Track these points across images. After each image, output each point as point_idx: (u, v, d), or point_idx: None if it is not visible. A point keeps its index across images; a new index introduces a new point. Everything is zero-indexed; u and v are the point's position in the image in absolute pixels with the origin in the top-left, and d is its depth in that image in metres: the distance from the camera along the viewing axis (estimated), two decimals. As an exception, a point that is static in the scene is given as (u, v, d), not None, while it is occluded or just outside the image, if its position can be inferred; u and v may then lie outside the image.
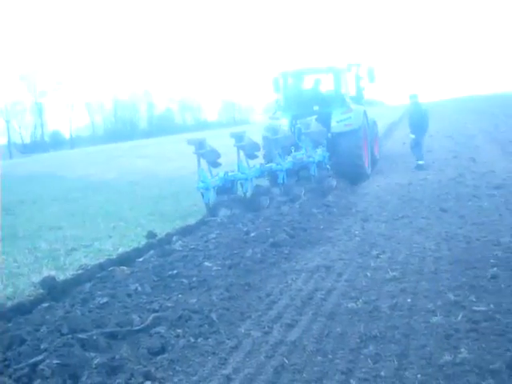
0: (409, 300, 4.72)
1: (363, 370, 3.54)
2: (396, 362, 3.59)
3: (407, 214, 8.35)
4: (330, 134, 12.00)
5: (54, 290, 5.50)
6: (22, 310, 5.03)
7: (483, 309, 4.31)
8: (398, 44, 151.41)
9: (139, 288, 5.36)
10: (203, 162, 9.37)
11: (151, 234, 7.87)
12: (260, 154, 10.91)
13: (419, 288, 5.01)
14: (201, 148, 9.26)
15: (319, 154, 11.37)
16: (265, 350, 3.95)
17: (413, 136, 13.56)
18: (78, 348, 3.82)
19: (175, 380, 3.64)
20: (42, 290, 5.48)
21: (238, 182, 9.97)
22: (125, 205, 11.76)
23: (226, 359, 3.87)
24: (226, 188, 9.70)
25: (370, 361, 3.65)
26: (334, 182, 10.78)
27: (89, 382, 3.49)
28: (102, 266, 6.32)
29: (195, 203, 10.47)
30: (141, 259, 6.66)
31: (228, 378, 3.57)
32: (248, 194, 9.92)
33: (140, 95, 72.00)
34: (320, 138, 11.40)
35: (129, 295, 5.17)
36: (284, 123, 12.15)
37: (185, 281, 5.55)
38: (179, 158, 19.96)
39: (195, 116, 76.45)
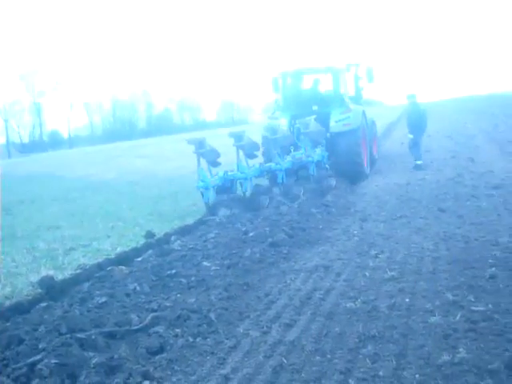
0: (407, 300, 4.72)
1: (362, 369, 3.54)
2: (394, 362, 3.59)
3: (405, 214, 8.36)
4: (328, 134, 12.01)
5: (52, 290, 5.50)
6: (21, 309, 5.03)
7: (481, 309, 4.32)
8: (397, 44, 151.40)
9: (138, 288, 5.36)
10: (203, 162, 9.38)
11: (150, 234, 7.87)
12: (259, 153, 10.92)
13: (417, 288, 5.01)
14: (201, 147, 9.28)
15: (318, 153, 11.39)
16: (263, 349, 3.95)
17: (411, 136, 13.56)
18: (77, 348, 3.82)
19: (174, 380, 3.64)
20: (40, 290, 5.47)
21: (238, 181, 9.99)
22: (124, 205, 11.74)
23: (224, 359, 3.87)
24: (226, 187, 9.72)
25: (368, 360, 3.65)
26: (333, 182, 10.78)
27: (87, 382, 3.49)
28: (100, 266, 6.31)
29: (194, 203, 10.48)
30: (139, 259, 6.66)
31: (226, 377, 3.57)
32: (247, 194, 9.93)
33: (139, 95, 72.16)
34: (319, 138, 11.42)
35: (127, 295, 5.17)
36: (283, 123, 12.15)
37: (183, 280, 5.56)
38: (178, 157, 19.97)
39: (194, 116, 76.44)
